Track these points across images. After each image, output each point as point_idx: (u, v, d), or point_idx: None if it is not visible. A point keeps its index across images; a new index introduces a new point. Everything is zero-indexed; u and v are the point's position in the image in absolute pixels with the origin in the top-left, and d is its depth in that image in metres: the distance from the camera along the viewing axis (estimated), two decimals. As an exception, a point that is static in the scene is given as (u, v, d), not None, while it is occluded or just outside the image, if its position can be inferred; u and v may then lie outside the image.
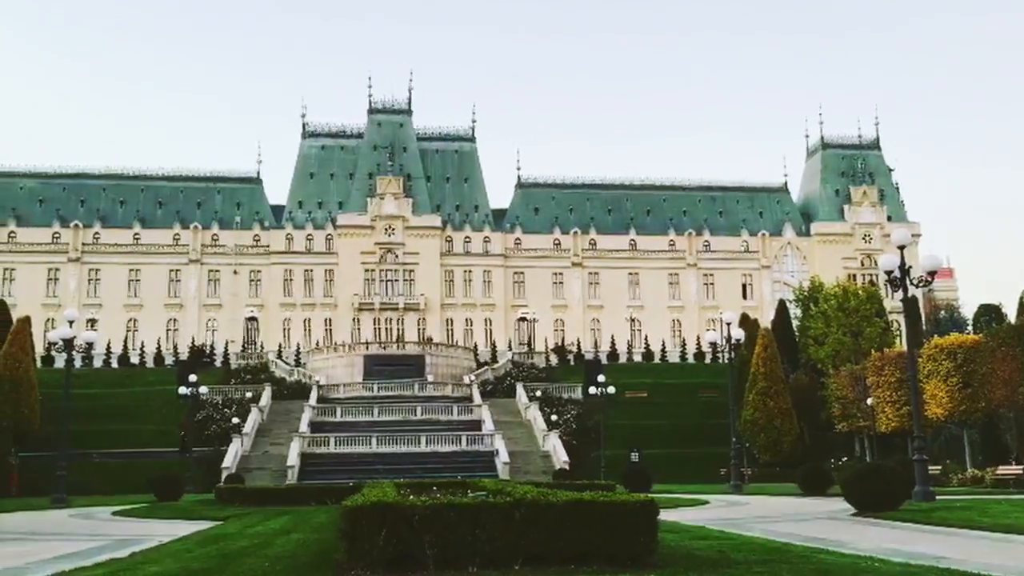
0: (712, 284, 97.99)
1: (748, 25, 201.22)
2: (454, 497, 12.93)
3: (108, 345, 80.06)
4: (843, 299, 66.22)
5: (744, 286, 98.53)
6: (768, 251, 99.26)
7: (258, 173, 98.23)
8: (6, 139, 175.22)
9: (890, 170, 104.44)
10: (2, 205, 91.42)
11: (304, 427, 55.05)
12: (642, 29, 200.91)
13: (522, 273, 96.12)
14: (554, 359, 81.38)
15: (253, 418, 57.17)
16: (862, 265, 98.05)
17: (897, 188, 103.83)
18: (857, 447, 59.70)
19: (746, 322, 66.90)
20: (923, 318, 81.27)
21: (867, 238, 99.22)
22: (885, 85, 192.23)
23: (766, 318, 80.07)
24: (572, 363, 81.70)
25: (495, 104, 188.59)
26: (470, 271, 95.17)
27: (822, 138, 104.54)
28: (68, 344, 36.40)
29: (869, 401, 52.98)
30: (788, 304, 76.23)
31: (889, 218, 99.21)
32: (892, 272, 26.22)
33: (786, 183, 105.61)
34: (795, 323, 73.24)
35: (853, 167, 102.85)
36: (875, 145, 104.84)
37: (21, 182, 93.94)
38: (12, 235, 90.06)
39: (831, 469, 39.14)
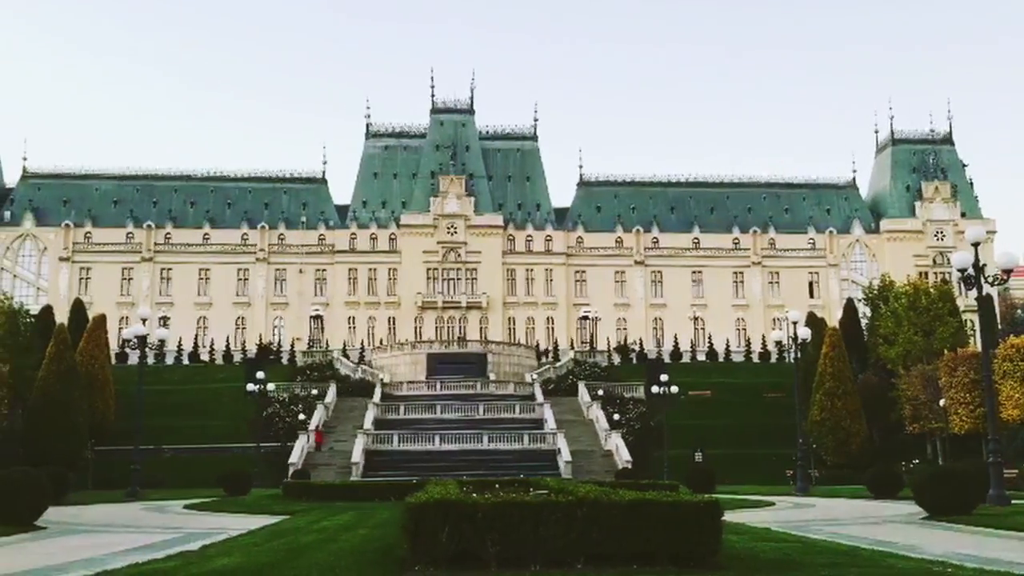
0: (777, 282, 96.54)
1: (816, 19, 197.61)
2: (516, 495, 12.97)
3: (179, 342, 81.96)
4: (914, 298, 64.62)
5: (811, 284, 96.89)
6: (836, 249, 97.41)
7: (323, 173, 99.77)
8: (83, 143, 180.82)
9: (964, 165, 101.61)
10: (79, 207, 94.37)
11: (368, 424, 55.70)
12: (705, 24, 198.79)
13: (584, 272, 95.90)
14: (616, 358, 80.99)
15: (318, 415, 58.03)
16: (934, 263, 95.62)
17: (971, 184, 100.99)
18: (929, 449, 58.28)
19: (813, 321, 65.84)
20: (998, 317, 78.95)
21: (939, 235, 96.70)
22: (959, 78, 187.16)
23: (833, 317, 78.66)
24: (634, 362, 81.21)
25: (557, 102, 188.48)
26: (532, 270, 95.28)
27: (892, 133, 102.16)
28: (141, 341, 37.44)
29: (942, 402, 51.68)
30: (857, 303, 74.76)
31: (963, 215, 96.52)
32: (966, 270, 25.59)
33: (854, 179, 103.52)
34: (864, 322, 71.80)
35: (925, 162, 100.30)
36: (948, 140, 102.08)
37: (97, 184, 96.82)
38: (88, 236, 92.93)
39: (901, 471, 38.27)
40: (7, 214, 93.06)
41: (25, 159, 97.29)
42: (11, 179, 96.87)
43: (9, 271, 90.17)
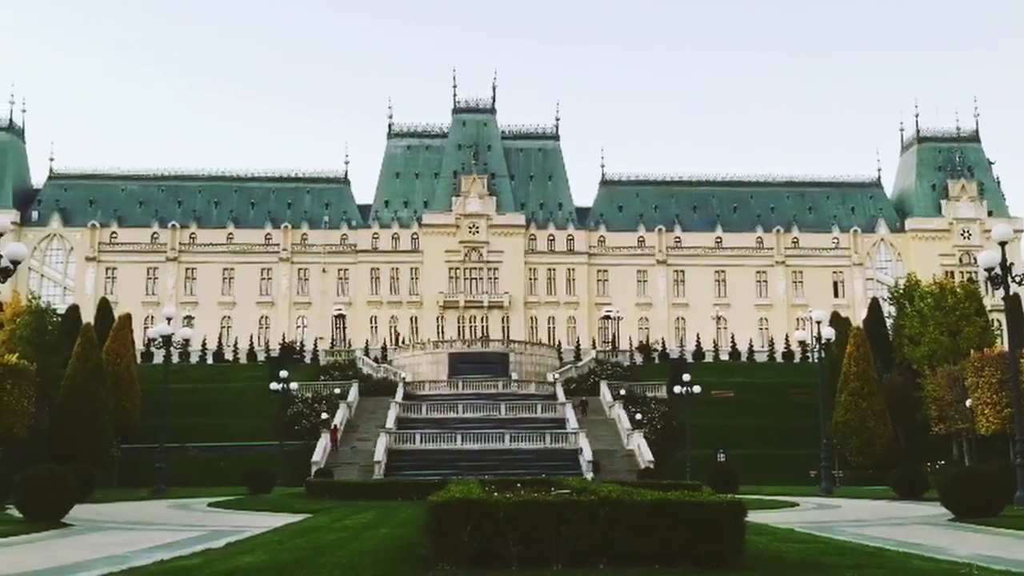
0: (801, 282, 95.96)
1: (841, 18, 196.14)
2: (538, 495, 12.96)
3: (204, 341, 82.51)
4: (940, 297, 63.99)
5: (835, 284, 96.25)
6: (860, 248, 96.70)
7: (346, 174, 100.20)
8: (109, 144, 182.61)
9: (990, 163, 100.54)
10: (105, 207, 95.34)
11: (391, 423, 55.87)
12: (727, 21, 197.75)
13: (606, 271, 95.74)
14: (638, 357, 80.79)
15: (341, 414, 58.30)
16: (960, 262, 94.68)
17: (998, 182, 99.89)
18: (955, 450, 57.73)
19: (837, 321, 65.36)
20: (1026, 317, 77.92)
21: (966, 234, 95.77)
22: (985, 76, 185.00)
23: (858, 317, 78.06)
24: (656, 362, 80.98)
25: (579, 102, 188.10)
26: (554, 269, 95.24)
27: (918, 131, 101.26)
28: (166, 340, 37.77)
29: (968, 403, 51.16)
30: (882, 302, 74.17)
31: (989, 213, 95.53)
32: (992, 269, 25.33)
33: (879, 178, 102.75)
34: (889, 322, 71.24)
35: (951, 161, 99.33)
36: (974, 138, 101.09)
37: (122, 184, 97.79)
38: (114, 236, 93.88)
39: (927, 472, 37.92)
40: (34, 214, 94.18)
41: (52, 160, 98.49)
42: (38, 180, 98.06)
43: (37, 271, 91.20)
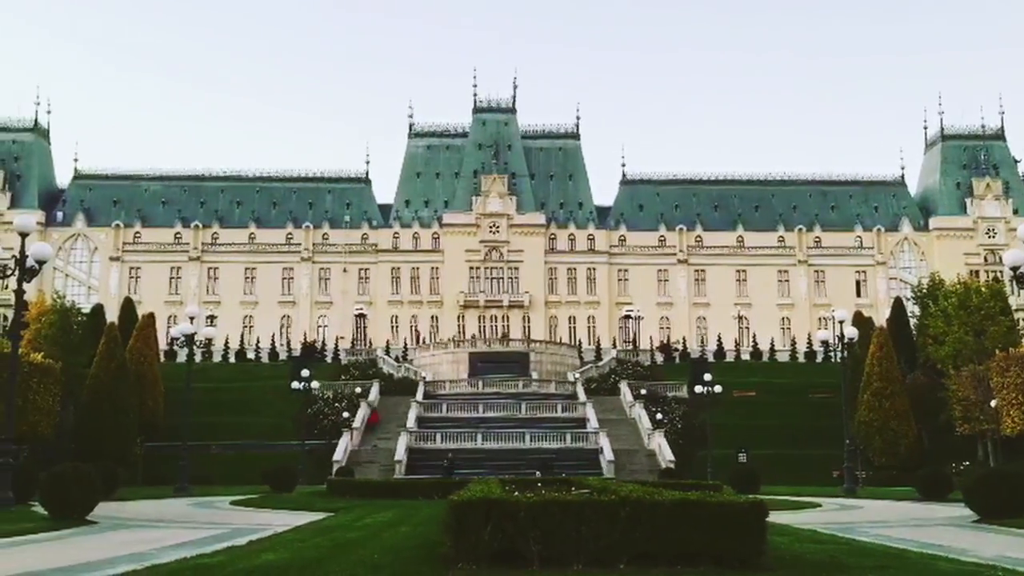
0: (823, 281, 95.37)
1: (863, 15, 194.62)
2: (559, 494, 12.96)
3: (226, 341, 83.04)
4: (964, 296, 63.31)
5: (858, 283, 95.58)
6: (883, 247, 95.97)
7: (366, 173, 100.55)
8: (132, 144, 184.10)
9: (1016, 161, 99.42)
10: (128, 207, 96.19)
11: (411, 422, 56.00)
12: (747, 20, 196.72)
13: (626, 270, 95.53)
14: (659, 357, 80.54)
15: (362, 413, 58.47)
16: (985, 261, 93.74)
17: (1023, 180, 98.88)
18: (980, 451, 57.11)
19: (860, 320, 64.86)
20: (1052, 316, 77.07)
21: (991, 233, 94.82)
22: (1010, 73, 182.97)
23: (881, 316, 77.48)
24: (677, 361, 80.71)
25: (599, 101, 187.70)
26: (574, 269, 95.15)
27: (942, 129, 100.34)
28: (189, 339, 38.00)
29: (993, 403, 50.59)
30: (905, 302, 73.54)
31: (1015, 211, 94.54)
32: (1018, 268, 25.00)
33: (903, 176, 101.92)
34: (913, 321, 70.62)
35: (976, 159, 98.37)
36: (999, 135, 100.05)
37: (146, 185, 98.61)
38: (138, 236, 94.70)
39: (951, 473, 37.56)
40: (59, 215, 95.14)
41: (76, 160, 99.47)
42: (63, 180, 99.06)
43: (61, 270, 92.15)
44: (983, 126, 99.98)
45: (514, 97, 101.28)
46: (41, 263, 24.74)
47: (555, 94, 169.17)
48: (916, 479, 33.90)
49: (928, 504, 29.00)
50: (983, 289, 65.11)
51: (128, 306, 71.71)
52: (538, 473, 37.90)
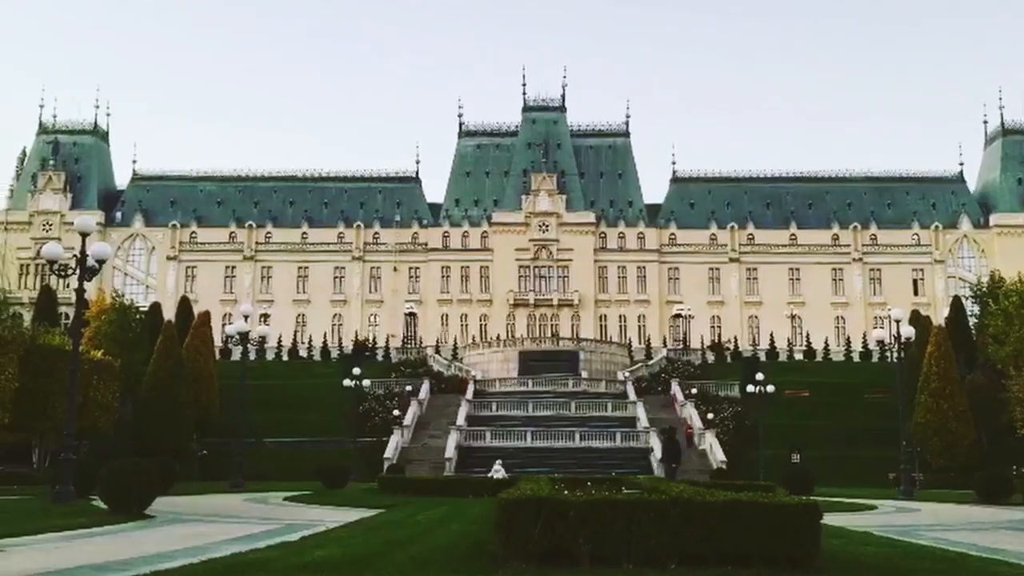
0: (879, 280, 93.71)
1: (923, 8, 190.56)
2: (609, 493, 12.91)
3: (279, 339, 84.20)
4: (1026, 295, 61.69)
5: (915, 282, 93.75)
6: (942, 244, 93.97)
7: (416, 173, 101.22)
8: (188, 146, 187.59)
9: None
10: (184, 208, 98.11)
11: (461, 421, 56.19)
12: (801, 13, 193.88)
13: (677, 269, 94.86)
14: (710, 356, 79.78)
15: (413, 411, 58.85)
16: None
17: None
18: (1042, 454, 55.61)
19: (917, 319, 63.70)
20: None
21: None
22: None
23: (939, 315, 75.96)
24: (729, 360, 79.85)
25: (649, 98, 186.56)
26: (624, 267, 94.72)
27: (1002, 124, 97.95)
28: (244, 338, 38.60)
29: (1056, 405, 49.20)
30: (964, 300, 71.92)
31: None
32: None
33: (962, 172, 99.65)
34: (972, 321, 69.03)
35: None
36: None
37: (201, 185, 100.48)
38: (194, 235, 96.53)
39: (1012, 476, 36.63)
40: (118, 215, 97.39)
41: (135, 162, 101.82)
42: (122, 181, 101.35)
43: (120, 269, 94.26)
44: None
45: (563, 95, 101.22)
46: (101, 262, 25.33)
47: (604, 92, 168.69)
48: (975, 482, 33.11)
49: (988, 507, 28.32)
50: (1046, 287, 63.34)
51: (185, 304, 73.07)
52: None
